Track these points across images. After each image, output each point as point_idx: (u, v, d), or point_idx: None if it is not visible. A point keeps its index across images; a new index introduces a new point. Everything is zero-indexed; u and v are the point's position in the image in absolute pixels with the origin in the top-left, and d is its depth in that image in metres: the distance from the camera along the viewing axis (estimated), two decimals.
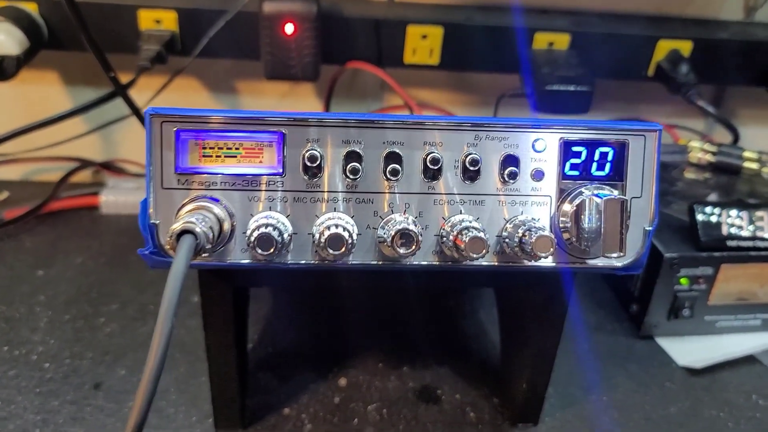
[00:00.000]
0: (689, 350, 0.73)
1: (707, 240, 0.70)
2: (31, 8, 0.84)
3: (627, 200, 0.44)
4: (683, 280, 0.71)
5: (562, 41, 0.91)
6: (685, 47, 0.93)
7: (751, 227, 0.70)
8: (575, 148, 0.46)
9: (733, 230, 0.70)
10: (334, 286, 0.66)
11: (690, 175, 0.87)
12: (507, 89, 0.93)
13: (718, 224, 0.71)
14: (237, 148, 0.44)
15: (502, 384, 0.66)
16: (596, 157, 0.46)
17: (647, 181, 0.46)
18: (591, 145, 0.46)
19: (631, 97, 1.05)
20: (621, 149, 0.46)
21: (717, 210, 0.71)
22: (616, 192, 0.45)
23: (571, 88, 0.85)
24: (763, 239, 0.70)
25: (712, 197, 0.81)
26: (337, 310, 0.78)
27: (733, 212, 0.71)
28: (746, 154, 0.87)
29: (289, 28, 0.83)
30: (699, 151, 0.88)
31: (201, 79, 0.99)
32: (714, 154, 0.88)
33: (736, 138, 0.97)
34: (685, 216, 0.73)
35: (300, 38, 0.83)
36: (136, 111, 0.83)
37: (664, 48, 0.93)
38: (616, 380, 0.69)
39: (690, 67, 0.91)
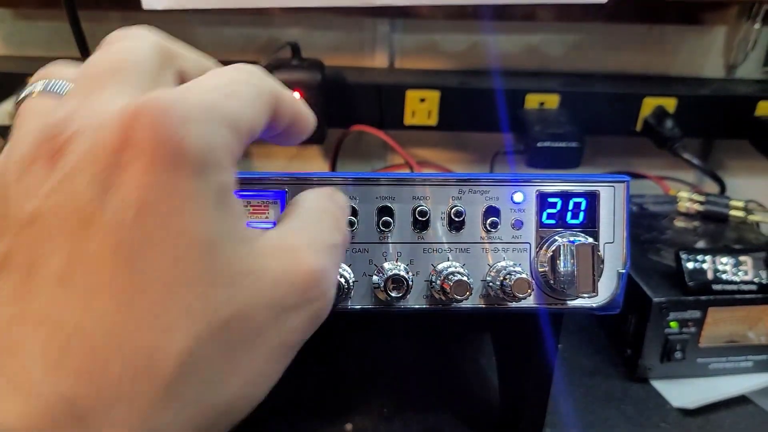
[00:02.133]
0: (683, 392, 0.75)
1: (693, 284, 0.73)
2: None
3: (597, 245, 0.48)
4: (673, 324, 0.74)
5: (552, 101, 0.97)
6: (670, 104, 0.98)
7: (736, 271, 0.74)
8: (551, 199, 0.50)
9: (718, 275, 0.74)
10: (335, 333, 0.70)
11: (679, 223, 0.91)
12: (501, 147, 0.98)
13: (704, 269, 0.74)
14: (245, 206, 0.48)
15: (502, 426, 0.69)
16: (570, 206, 0.50)
17: (618, 227, 0.50)
18: (565, 196, 0.50)
19: (623, 152, 1.09)
20: (593, 199, 0.50)
21: (703, 256, 0.74)
22: (590, 238, 0.49)
23: (562, 144, 0.90)
24: (747, 282, 0.73)
25: (700, 244, 0.84)
26: (341, 359, 0.81)
27: (718, 258, 0.74)
28: (732, 202, 0.90)
29: (296, 96, 0.88)
30: (687, 201, 0.92)
31: None
32: (702, 203, 0.91)
33: (722, 188, 1.01)
34: (674, 263, 0.76)
35: (306, 105, 0.88)
36: None
37: (650, 105, 0.98)
38: (613, 421, 0.71)
39: (675, 122, 0.96)
